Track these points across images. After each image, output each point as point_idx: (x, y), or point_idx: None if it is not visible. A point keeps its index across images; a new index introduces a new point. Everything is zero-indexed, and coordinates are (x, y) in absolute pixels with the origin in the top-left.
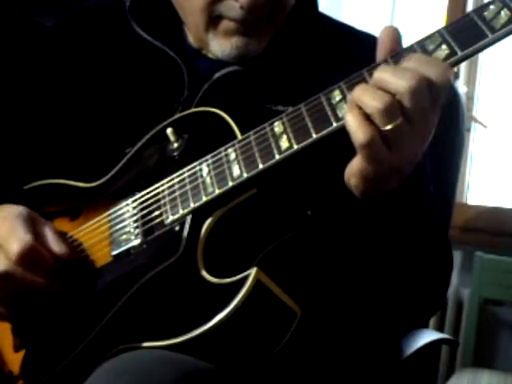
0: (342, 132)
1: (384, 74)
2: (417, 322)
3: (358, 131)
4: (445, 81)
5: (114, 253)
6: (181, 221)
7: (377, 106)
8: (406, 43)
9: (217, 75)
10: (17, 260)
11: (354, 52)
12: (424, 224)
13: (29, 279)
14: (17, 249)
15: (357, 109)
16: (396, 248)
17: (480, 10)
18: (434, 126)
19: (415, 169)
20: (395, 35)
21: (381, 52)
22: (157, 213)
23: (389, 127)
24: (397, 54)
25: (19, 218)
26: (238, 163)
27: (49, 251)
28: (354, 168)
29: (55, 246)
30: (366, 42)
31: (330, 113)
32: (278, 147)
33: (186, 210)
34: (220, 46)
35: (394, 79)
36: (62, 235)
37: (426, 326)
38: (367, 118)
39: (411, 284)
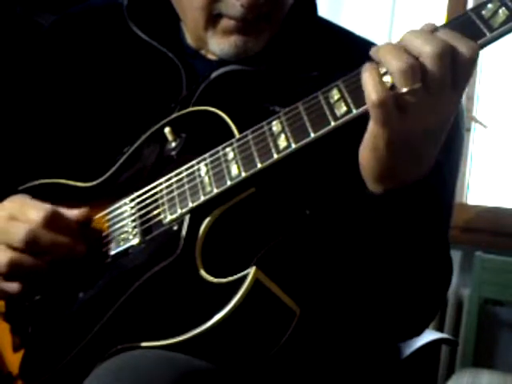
0: (341, 131)
1: (411, 36)
2: (415, 325)
3: (372, 90)
4: (470, 56)
5: (113, 252)
6: (179, 220)
7: (397, 64)
8: None
9: (214, 74)
10: (40, 223)
11: (352, 57)
12: (428, 226)
13: (53, 239)
14: (38, 214)
15: (376, 69)
16: (397, 248)
17: (478, 8)
18: (452, 108)
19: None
20: None
21: None
22: (155, 212)
23: (405, 90)
24: None
25: (27, 197)
26: (236, 162)
27: (68, 216)
28: (366, 138)
29: (71, 211)
30: (365, 47)
31: (328, 112)
32: (276, 146)
33: (184, 210)
34: (219, 44)
35: (419, 41)
36: None
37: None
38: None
39: (411, 284)
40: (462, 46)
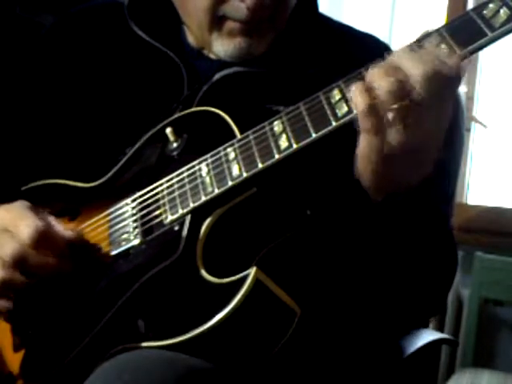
0: (342, 131)
1: (401, 57)
2: (417, 322)
3: (360, 99)
4: (456, 74)
5: (114, 253)
6: (180, 220)
7: (385, 85)
8: (404, 43)
9: (217, 76)
10: (29, 243)
11: (353, 53)
12: (431, 225)
13: (41, 261)
14: (28, 233)
15: (363, 83)
16: (400, 248)
17: (479, 8)
18: (448, 111)
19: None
20: None
21: None
22: (156, 212)
23: (394, 106)
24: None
25: (25, 207)
26: (238, 163)
27: (58, 236)
28: (359, 150)
29: (63, 231)
30: (366, 42)
31: (329, 112)
32: (278, 147)
33: (185, 210)
34: (223, 46)
35: (409, 63)
36: None
37: (426, 325)
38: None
39: (413, 284)
40: (448, 65)
